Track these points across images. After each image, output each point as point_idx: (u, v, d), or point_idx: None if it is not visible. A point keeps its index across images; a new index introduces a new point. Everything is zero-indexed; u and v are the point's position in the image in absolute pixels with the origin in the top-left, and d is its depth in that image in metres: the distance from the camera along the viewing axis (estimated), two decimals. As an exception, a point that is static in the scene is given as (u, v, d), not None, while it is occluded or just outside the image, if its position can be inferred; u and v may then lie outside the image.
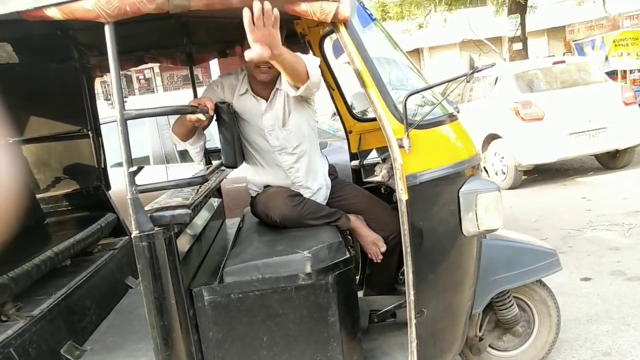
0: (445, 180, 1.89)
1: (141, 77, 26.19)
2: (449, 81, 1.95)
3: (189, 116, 1.94)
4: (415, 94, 1.90)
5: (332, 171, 2.55)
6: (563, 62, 7.40)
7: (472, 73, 1.86)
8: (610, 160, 7.13)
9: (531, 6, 13.49)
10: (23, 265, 2.00)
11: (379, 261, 2.34)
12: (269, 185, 2.36)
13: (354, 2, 1.90)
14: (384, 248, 2.31)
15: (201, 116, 1.91)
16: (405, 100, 1.79)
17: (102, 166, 3.06)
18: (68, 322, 2.16)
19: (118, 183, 2.96)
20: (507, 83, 6.94)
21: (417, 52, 24.08)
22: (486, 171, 7.24)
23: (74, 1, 1.47)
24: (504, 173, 6.93)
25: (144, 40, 2.64)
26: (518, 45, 12.04)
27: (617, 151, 6.87)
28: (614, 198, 5.63)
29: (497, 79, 7.14)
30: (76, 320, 2.24)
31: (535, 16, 15.56)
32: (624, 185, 6.16)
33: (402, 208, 1.80)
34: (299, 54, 1.96)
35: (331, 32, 2.24)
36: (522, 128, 6.56)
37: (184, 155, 4.23)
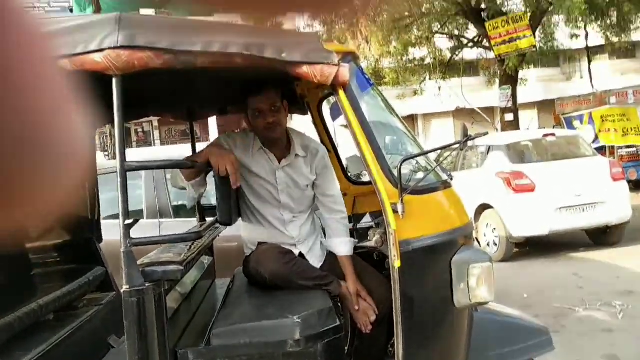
0: (439, 248, 1.89)
1: (139, 129, 26.50)
2: (443, 148, 2.00)
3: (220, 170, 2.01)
4: (410, 160, 1.94)
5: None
6: (553, 134, 7.57)
7: (466, 141, 1.91)
8: (601, 237, 7.06)
9: (522, 79, 14.00)
10: (5, 317, 1.93)
11: (368, 332, 2.26)
12: (264, 243, 2.34)
13: (353, 67, 1.97)
14: (373, 317, 2.23)
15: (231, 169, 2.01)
16: (400, 165, 1.82)
17: (96, 218, 3.03)
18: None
19: (108, 235, 2.93)
20: (499, 153, 7.06)
21: (411, 118, 24.67)
22: (478, 242, 7.20)
23: (85, 54, 1.52)
24: (496, 244, 6.88)
25: (147, 94, 2.71)
26: (510, 116, 12.39)
27: (607, 227, 6.84)
28: (605, 276, 5.56)
29: (489, 148, 7.27)
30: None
31: (526, 89, 16.13)
32: (616, 263, 6.12)
33: (394, 275, 1.79)
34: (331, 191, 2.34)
35: (330, 94, 2.31)
36: (513, 199, 6.60)
37: (178, 211, 4.21)
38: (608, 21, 12.49)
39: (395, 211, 1.81)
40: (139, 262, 1.62)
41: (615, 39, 13.38)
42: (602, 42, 14.58)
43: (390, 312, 1.83)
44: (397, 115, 2.30)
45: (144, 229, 3.75)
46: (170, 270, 1.60)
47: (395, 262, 1.79)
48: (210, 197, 2.97)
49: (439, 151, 2.15)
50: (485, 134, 2.01)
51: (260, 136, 2.27)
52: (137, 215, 4.20)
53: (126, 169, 1.54)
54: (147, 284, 1.55)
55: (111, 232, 2.42)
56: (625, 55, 24.63)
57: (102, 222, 3.12)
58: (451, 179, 2.23)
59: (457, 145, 1.90)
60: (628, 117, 11.16)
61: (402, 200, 1.82)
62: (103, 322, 2.71)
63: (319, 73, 1.79)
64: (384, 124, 2.20)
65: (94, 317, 2.62)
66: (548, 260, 6.62)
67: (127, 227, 1.54)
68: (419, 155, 2.04)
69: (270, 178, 2.28)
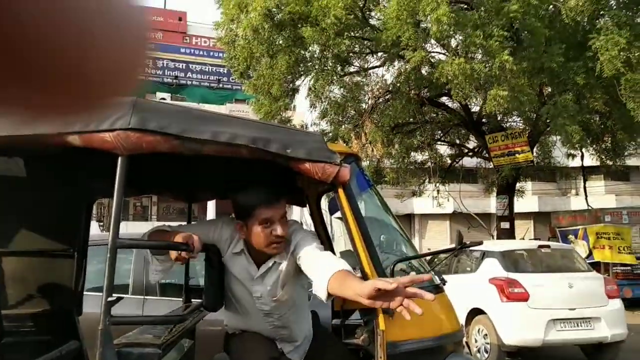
0: (426, 353, 1.84)
1: (138, 204, 26.61)
2: (438, 253, 2.01)
3: (172, 253, 1.82)
4: (403, 261, 1.94)
5: (314, 319, 2.44)
6: (548, 246, 7.63)
7: (460, 248, 1.93)
8: (595, 353, 6.91)
9: (519, 190, 14.30)
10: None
11: None
12: (246, 331, 2.23)
13: (354, 168, 2.04)
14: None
15: (183, 258, 1.79)
16: (394, 265, 1.83)
17: (79, 289, 2.97)
18: None
19: (87, 307, 2.84)
20: (494, 260, 7.06)
21: (408, 217, 24.86)
22: (468, 346, 7.00)
23: (96, 132, 1.58)
24: (487, 352, 6.70)
25: (150, 173, 2.76)
26: (506, 224, 12.50)
27: (601, 344, 6.72)
28: (600, 395, 5.36)
29: (483, 254, 7.28)
30: None
31: (523, 200, 16.41)
32: (611, 382, 5.91)
33: (380, 378, 1.73)
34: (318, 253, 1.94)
35: (329, 190, 2.36)
36: (506, 306, 6.51)
37: (165, 289, 4.12)
38: (603, 145, 13.04)
39: (385, 312, 1.79)
40: (116, 342, 1.57)
41: (609, 162, 13.88)
42: (597, 163, 15.08)
43: None
44: (393, 216, 2.34)
45: (127, 305, 3.67)
46: (147, 352, 1.55)
47: (381, 366, 1.73)
48: (199, 277, 2.93)
49: (433, 255, 2.15)
50: (480, 243, 2.03)
51: (258, 248, 1.98)
52: (123, 290, 4.14)
53: (117, 245, 1.54)
54: None
55: (90, 304, 2.35)
56: (620, 178, 25.39)
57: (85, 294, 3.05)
58: (444, 284, 2.22)
59: (451, 252, 1.91)
60: (622, 237, 11.31)
61: (393, 301, 1.80)
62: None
63: (321, 171, 1.86)
64: (380, 223, 2.23)
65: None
66: (541, 375, 6.38)
67: (109, 304, 1.52)
68: (413, 257, 2.05)
69: (247, 284, 2.07)
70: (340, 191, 1.92)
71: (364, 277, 1.86)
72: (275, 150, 1.79)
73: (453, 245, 1.93)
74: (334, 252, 2.98)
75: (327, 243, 2.98)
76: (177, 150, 1.66)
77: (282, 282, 2.03)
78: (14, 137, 1.57)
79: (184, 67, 28.84)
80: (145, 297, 4.03)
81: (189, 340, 2.69)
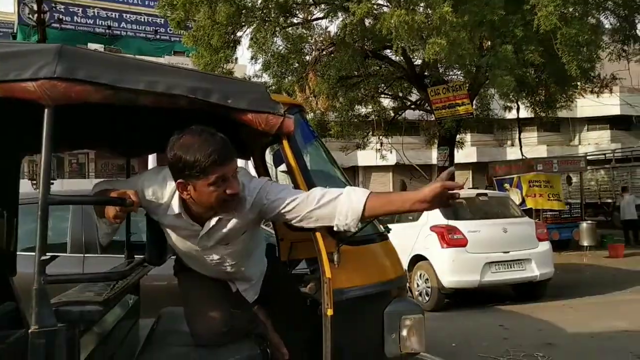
0: (371, 299, 1.90)
1: (74, 160, 25.45)
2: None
3: (107, 211, 1.70)
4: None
5: (271, 252, 2.40)
6: (485, 194, 8.01)
7: (402, 197, 1.95)
8: (526, 291, 7.45)
9: (458, 141, 14.75)
10: None
11: None
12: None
13: (298, 119, 2.01)
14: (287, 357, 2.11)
15: (122, 215, 1.69)
16: (338, 215, 1.83)
17: (11, 249, 2.82)
18: None
19: (26, 268, 2.73)
20: (435, 208, 7.33)
21: (353, 169, 25.21)
22: (411, 291, 7.35)
23: (17, 81, 1.45)
24: (428, 295, 7.09)
25: (84, 126, 2.61)
26: (445, 175, 12.92)
27: (531, 283, 7.25)
28: (529, 328, 5.80)
29: (425, 203, 7.53)
30: None
31: (462, 151, 16.98)
32: (538, 317, 6.40)
33: (326, 324, 1.77)
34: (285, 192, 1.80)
35: (273, 142, 2.31)
36: (446, 252, 6.86)
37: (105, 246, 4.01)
38: (537, 98, 13.57)
39: (331, 260, 1.82)
40: (54, 300, 1.51)
41: (542, 114, 14.52)
42: (531, 115, 15.75)
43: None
44: (338, 167, 2.35)
45: (65, 264, 3.55)
46: (88, 310, 1.50)
47: (328, 311, 1.77)
48: (142, 233, 2.85)
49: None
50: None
51: (205, 206, 1.78)
52: (61, 249, 3.99)
53: (48, 202, 1.45)
54: (59, 325, 1.44)
55: (26, 264, 2.24)
56: (551, 129, 26.76)
57: (23, 254, 2.91)
58: (388, 232, 2.27)
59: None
60: (552, 184, 12.02)
61: (338, 249, 1.83)
62: (8, 361, 2.48)
63: (264, 122, 1.81)
64: (325, 174, 2.23)
65: (-2, 356, 2.39)
66: (476, 312, 6.86)
67: (43, 263, 1.44)
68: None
69: (191, 241, 1.91)
70: (285, 142, 1.90)
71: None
72: (215, 100, 1.72)
73: (396, 194, 1.96)
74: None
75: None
76: (110, 101, 1.56)
77: (232, 236, 1.90)
78: None
79: (117, 16, 27.11)
80: (85, 255, 3.90)
81: (134, 296, 2.65)
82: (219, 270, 2.05)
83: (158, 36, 27.42)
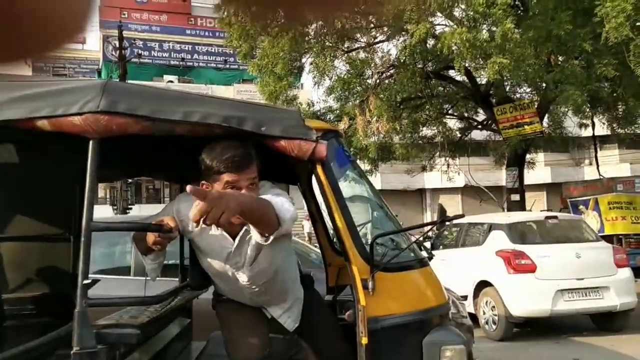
0: (409, 328, 1.85)
1: (150, 186, 26.86)
2: (418, 227, 2.00)
3: (147, 238, 1.75)
4: (385, 236, 1.93)
5: (309, 282, 2.36)
6: (555, 217, 7.56)
7: (442, 222, 1.91)
8: (605, 322, 6.89)
9: (529, 162, 14.13)
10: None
11: None
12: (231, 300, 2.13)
13: (333, 144, 2.02)
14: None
15: (162, 241, 1.73)
16: (373, 240, 1.82)
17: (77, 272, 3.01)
18: None
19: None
20: (500, 232, 7.03)
21: (420, 192, 24.79)
22: (477, 318, 7.04)
23: (64, 116, 1.58)
24: (495, 323, 6.73)
25: (141, 155, 2.76)
26: (516, 196, 12.39)
27: (611, 313, 6.71)
28: (608, 364, 5.38)
29: (490, 226, 7.24)
30: None
31: (535, 171, 16.23)
32: (618, 350, 5.91)
33: (361, 353, 1.74)
34: (269, 195, 1.75)
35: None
36: (513, 279, 6.51)
37: (166, 270, 4.17)
38: (614, 114, 12.78)
39: (365, 287, 1.79)
40: (97, 323, 1.60)
41: (621, 131, 13.62)
42: (608, 132, 14.82)
43: None
44: (375, 191, 2.32)
45: (129, 287, 3.72)
46: (126, 333, 1.57)
47: (363, 339, 1.75)
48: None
49: (416, 229, 2.14)
50: (462, 216, 2.01)
51: None
52: (125, 272, 4.20)
53: (92, 228, 1.55)
54: (99, 347, 1.52)
55: (98, 287, 2.37)
56: (633, 146, 24.95)
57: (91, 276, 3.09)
58: (430, 258, 2.21)
59: (432, 226, 1.90)
60: (635, 206, 11.13)
61: (372, 276, 1.80)
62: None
63: (297, 148, 1.84)
64: (360, 198, 2.21)
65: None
66: (549, 343, 6.41)
67: (85, 287, 1.53)
68: (393, 232, 2.04)
69: (222, 258, 1.94)
70: (319, 168, 1.91)
71: (345, 254, 1.86)
72: (249, 128, 1.77)
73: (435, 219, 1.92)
74: (326, 231, 2.98)
75: (319, 222, 2.97)
76: (149, 132, 1.66)
77: (256, 250, 1.88)
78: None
79: (190, 48, 28.73)
80: (147, 278, 4.09)
81: (186, 319, 2.73)
82: (252, 292, 2.05)
83: (228, 65, 28.70)
